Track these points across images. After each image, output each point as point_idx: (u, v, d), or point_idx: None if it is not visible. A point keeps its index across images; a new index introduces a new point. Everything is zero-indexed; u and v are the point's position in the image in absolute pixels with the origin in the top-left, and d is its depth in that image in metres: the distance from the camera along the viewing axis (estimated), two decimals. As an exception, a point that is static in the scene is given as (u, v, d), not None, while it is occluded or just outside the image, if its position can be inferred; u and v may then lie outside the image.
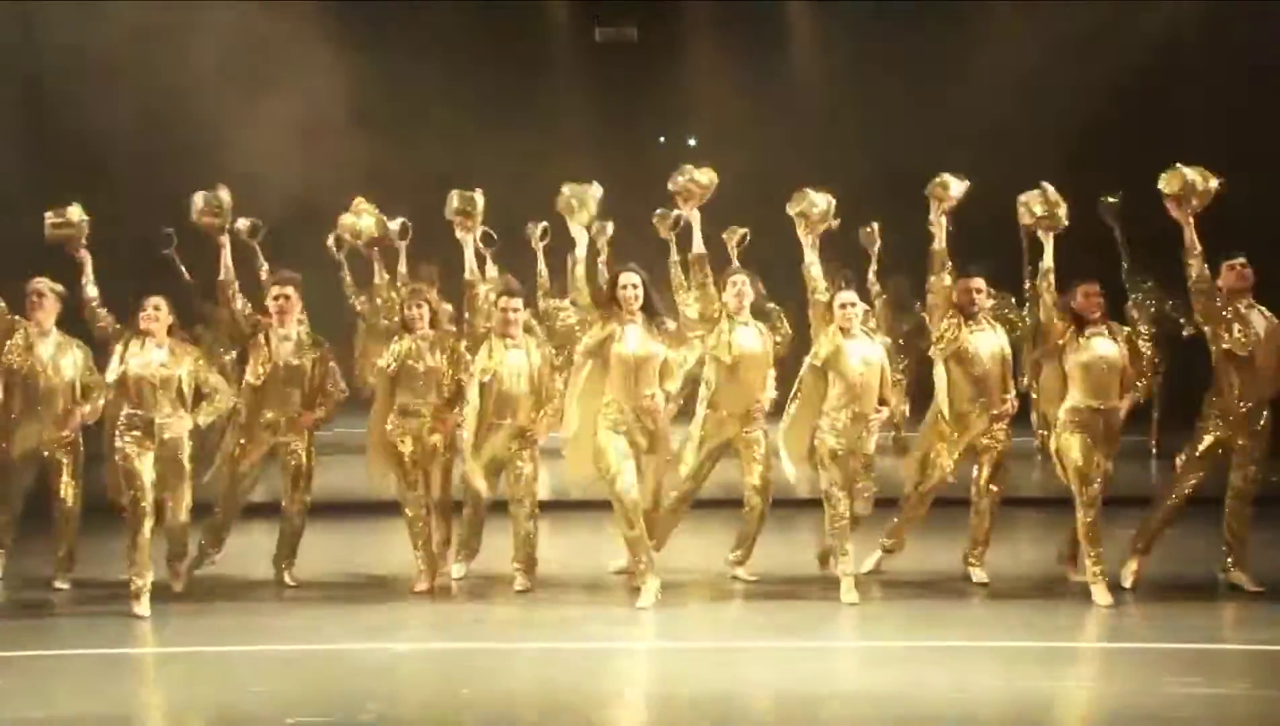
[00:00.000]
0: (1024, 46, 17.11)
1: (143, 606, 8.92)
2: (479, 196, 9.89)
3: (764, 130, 18.00)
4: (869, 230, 13.14)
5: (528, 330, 9.81)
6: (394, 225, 12.11)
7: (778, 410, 9.71)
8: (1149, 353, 12.53)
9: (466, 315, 9.84)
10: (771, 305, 10.49)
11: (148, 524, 9.00)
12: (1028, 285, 13.59)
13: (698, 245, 9.60)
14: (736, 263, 10.81)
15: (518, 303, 9.57)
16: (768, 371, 9.72)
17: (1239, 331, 9.21)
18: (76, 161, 14.23)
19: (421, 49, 17.34)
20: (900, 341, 13.77)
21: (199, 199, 9.47)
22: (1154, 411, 14.15)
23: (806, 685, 7.73)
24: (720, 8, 18.10)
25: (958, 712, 7.36)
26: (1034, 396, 11.44)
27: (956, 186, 9.74)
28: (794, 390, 9.42)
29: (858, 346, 9.24)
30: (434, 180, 17.15)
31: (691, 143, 19.50)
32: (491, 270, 11.11)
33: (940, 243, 9.64)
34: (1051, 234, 9.43)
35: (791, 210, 9.68)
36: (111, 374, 9.10)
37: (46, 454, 9.58)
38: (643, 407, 9.05)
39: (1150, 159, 16.82)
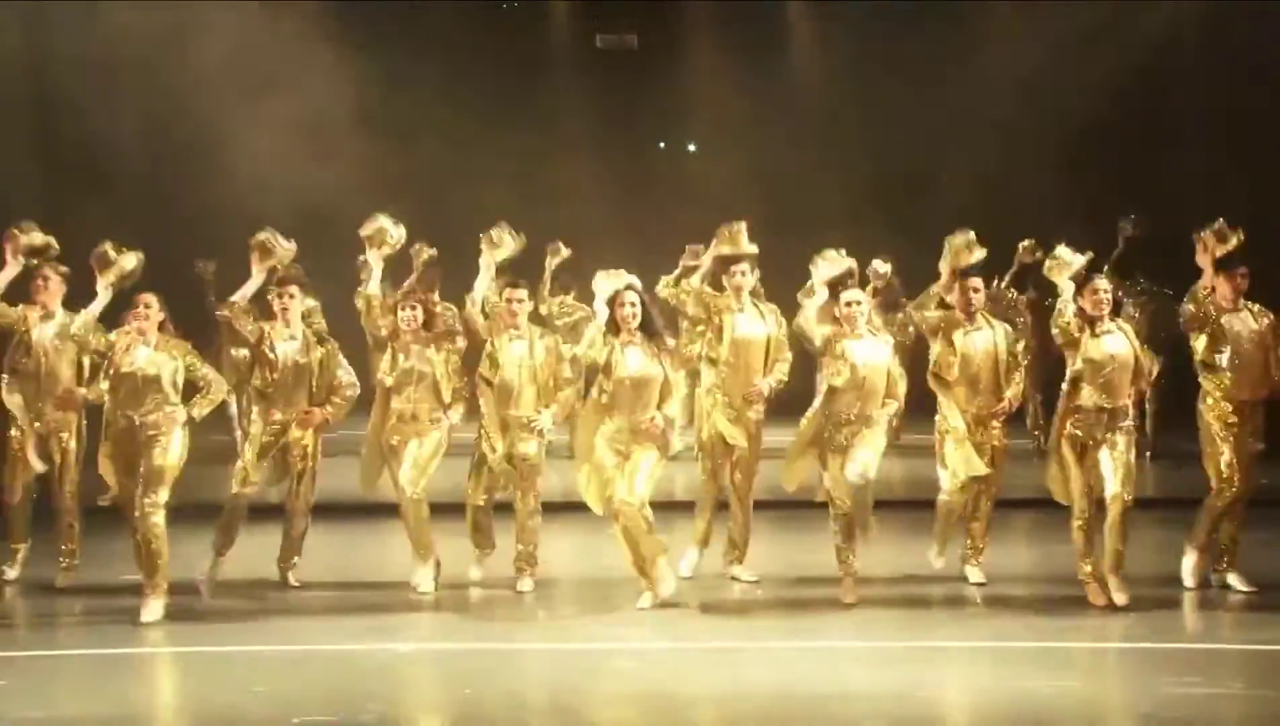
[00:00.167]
0: (1023, 47, 17.17)
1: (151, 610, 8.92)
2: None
3: (764, 133, 18.06)
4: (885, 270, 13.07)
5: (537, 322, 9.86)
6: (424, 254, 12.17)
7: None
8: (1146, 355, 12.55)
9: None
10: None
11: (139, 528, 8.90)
12: (1010, 293, 13.67)
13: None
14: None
15: (522, 294, 9.59)
16: (773, 358, 9.74)
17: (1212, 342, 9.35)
18: (80, 162, 14.29)
19: (424, 54, 17.41)
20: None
21: (271, 239, 9.46)
22: (1147, 411, 14.16)
23: (806, 685, 7.76)
24: (719, 12, 18.17)
25: (956, 712, 7.41)
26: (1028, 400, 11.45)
27: (978, 252, 9.71)
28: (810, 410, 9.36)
29: (861, 346, 9.18)
30: (436, 183, 17.38)
31: (691, 148, 19.57)
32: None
33: (943, 288, 9.67)
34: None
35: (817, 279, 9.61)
36: (104, 378, 9.05)
37: (49, 440, 9.67)
38: (643, 430, 8.94)
39: (1149, 159, 16.99)
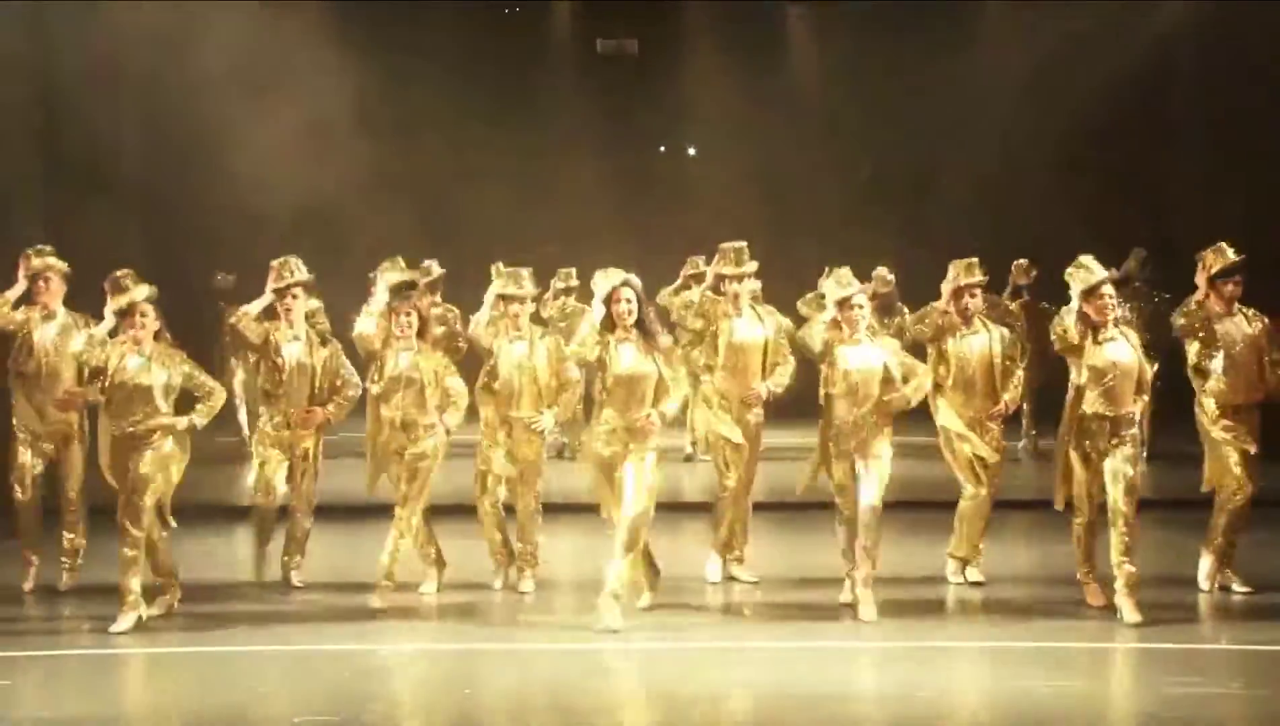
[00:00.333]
0: (1022, 48, 17.23)
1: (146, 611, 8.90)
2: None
3: (763, 136, 18.10)
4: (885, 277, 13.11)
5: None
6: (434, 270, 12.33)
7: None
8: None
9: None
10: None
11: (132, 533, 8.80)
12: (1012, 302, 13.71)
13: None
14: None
15: (525, 295, 9.63)
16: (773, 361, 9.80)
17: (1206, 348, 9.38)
18: (82, 162, 14.32)
19: (427, 58, 17.48)
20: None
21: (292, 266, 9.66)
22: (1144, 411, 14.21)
23: (806, 685, 7.77)
24: (719, 16, 18.22)
25: (956, 712, 7.42)
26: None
27: (978, 276, 9.76)
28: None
29: (855, 352, 9.08)
30: (438, 185, 17.44)
31: (691, 151, 19.61)
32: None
33: (943, 305, 9.70)
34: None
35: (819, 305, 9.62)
36: (99, 390, 8.98)
37: (51, 445, 9.72)
38: (637, 428, 8.81)
39: (1148, 161, 17.00)
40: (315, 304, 10.10)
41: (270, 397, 9.68)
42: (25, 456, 9.74)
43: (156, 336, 8.90)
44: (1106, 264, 9.08)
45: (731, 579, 9.94)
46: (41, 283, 9.71)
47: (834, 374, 9.07)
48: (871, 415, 9.00)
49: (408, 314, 9.30)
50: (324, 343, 9.73)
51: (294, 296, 9.63)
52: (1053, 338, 9.06)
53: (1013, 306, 13.89)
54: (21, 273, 9.72)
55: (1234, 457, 9.42)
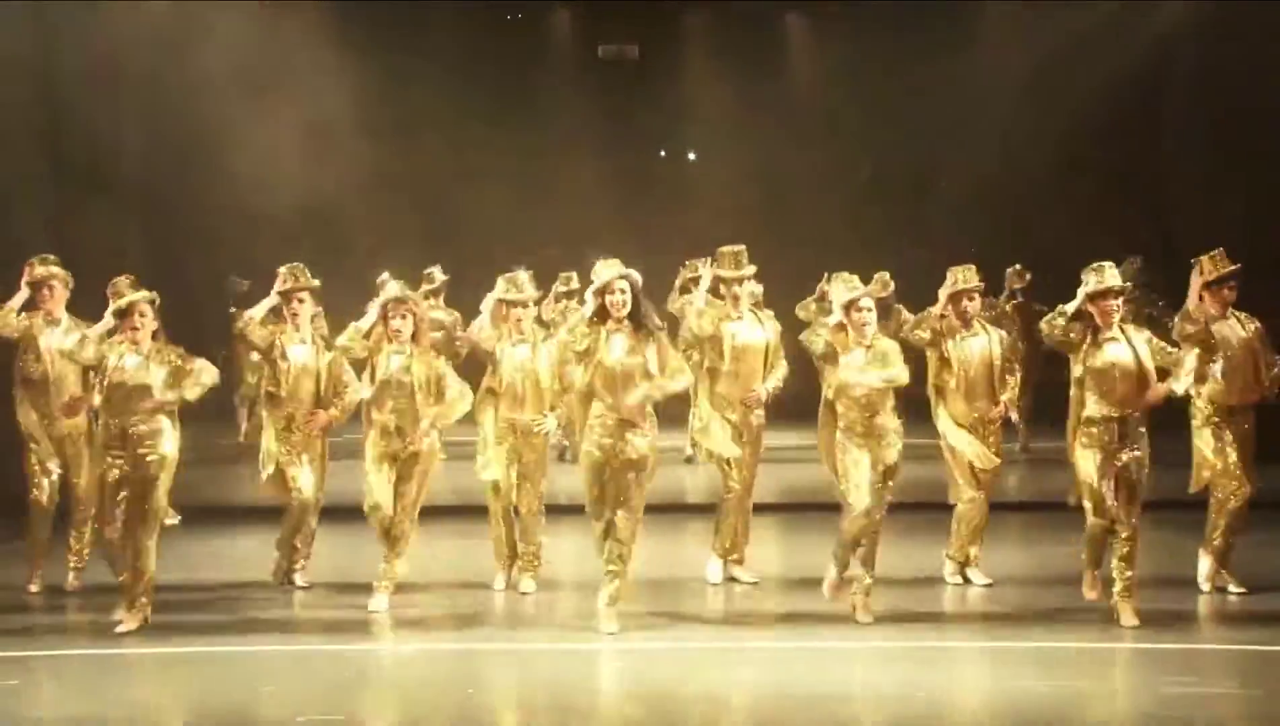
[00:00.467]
0: (1021, 49, 17.26)
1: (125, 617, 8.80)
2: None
3: (762, 141, 18.15)
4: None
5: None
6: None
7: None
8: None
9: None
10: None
11: (118, 535, 8.84)
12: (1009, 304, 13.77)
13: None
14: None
15: (526, 299, 9.67)
16: (772, 363, 9.85)
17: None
18: (84, 163, 14.37)
19: (430, 62, 17.53)
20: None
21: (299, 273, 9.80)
22: None
23: (806, 685, 7.82)
24: (718, 22, 18.28)
25: (955, 712, 7.45)
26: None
27: (976, 283, 9.80)
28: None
29: (851, 358, 8.94)
30: (440, 189, 17.49)
31: (691, 156, 19.67)
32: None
33: (939, 310, 9.74)
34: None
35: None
36: (97, 390, 8.99)
37: (61, 445, 9.80)
38: (630, 419, 8.69)
39: (1148, 161, 17.02)
40: (315, 309, 10.16)
41: (275, 400, 9.75)
42: (39, 462, 9.82)
43: (154, 337, 8.91)
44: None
45: (732, 580, 10.00)
46: (46, 290, 9.80)
47: (831, 378, 9.04)
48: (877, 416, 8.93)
49: (402, 317, 9.25)
50: (328, 346, 9.80)
51: (299, 300, 9.73)
52: (1043, 329, 8.97)
53: (1007, 308, 13.96)
54: (25, 280, 9.80)
55: (1232, 457, 9.49)
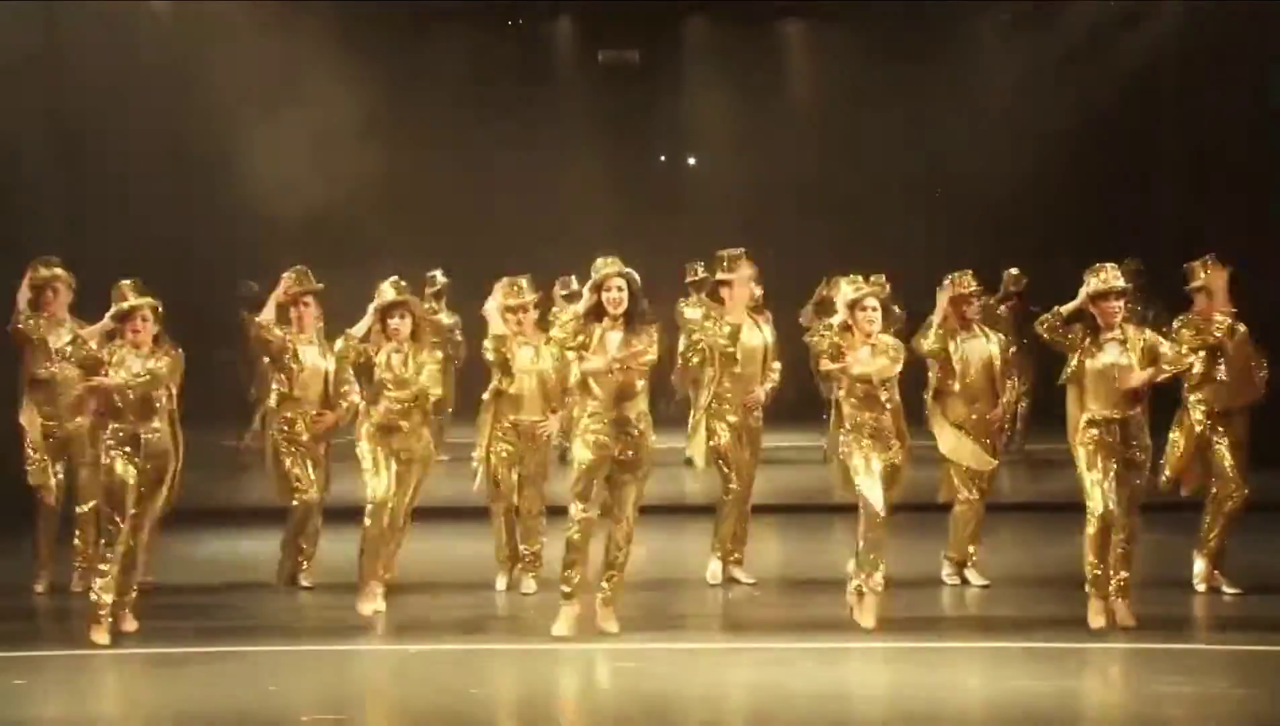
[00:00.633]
0: (1021, 58, 17.33)
1: (103, 634, 8.55)
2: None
3: (762, 146, 18.21)
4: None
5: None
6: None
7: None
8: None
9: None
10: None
11: (121, 543, 8.65)
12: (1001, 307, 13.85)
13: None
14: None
15: (528, 302, 9.74)
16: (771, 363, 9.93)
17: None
18: (97, 170, 14.46)
19: (431, 68, 17.61)
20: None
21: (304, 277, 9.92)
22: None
23: (806, 685, 7.86)
24: (719, 28, 18.34)
25: (954, 712, 7.49)
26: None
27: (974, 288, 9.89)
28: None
29: (859, 354, 8.90)
30: (441, 192, 17.56)
31: (691, 161, 19.73)
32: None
33: (939, 317, 9.82)
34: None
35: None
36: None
37: (68, 445, 9.87)
38: (626, 419, 8.63)
39: (1146, 166, 17.05)
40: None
41: (286, 401, 9.85)
42: (46, 463, 9.90)
43: (156, 340, 8.89)
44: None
45: (732, 580, 10.08)
46: (50, 293, 9.88)
47: (844, 377, 8.96)
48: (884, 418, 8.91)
49: (400, 317, 9.26)
50: (333, 349, 9.89)
51: (305, 303, 9.85)
52: (1039, 329, 8.93)
53: (1001, 310, 14.06)
54: (27, 283, 9.86)
55: (1228, 459, 9.58)
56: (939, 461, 9.99)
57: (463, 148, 17.58)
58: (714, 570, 10.08)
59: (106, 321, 8.85)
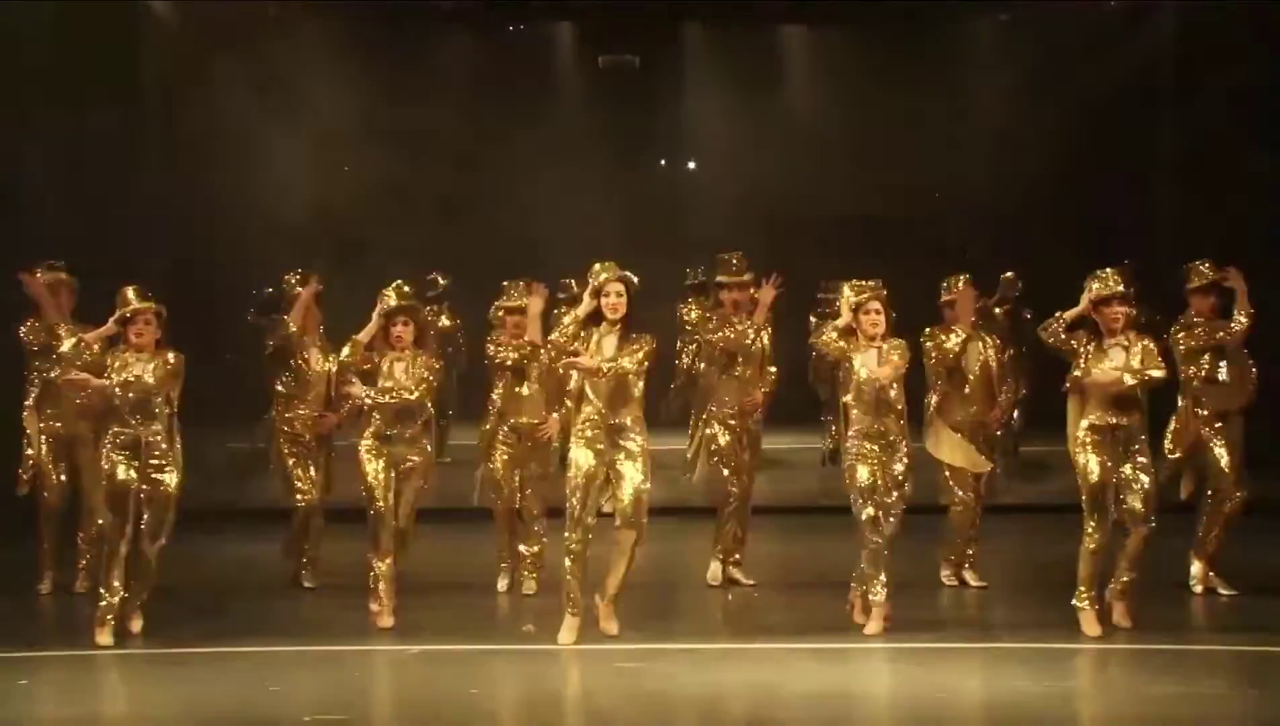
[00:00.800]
0: (1019, 66, 17.36)
1: (106, 635, 8.62)
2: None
3: (762, 151, 18.24)
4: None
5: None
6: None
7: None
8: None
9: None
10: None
11: (123, 545, 8.71)
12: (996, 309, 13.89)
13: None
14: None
15: (524, 305, 9.75)
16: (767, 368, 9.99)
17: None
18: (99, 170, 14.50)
19: (432, 72, 17.65)
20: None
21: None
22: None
23: (805, 685, 7.90)
24: (718, 33, 18.37)
25: (950, 713, 7.52)
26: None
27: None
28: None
29: (865, 358, 8.83)
30: (442, 195, 17.60)
31: (691, 165, 19.77)
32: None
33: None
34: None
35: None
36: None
37: (72, 447, 9.95)
38: (621, 423, 8.62)
39: (1144, 169, 17.09)
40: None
41: (291, 401, 9.91)
42: (49, 464, 9.95)
43: (157, 345, 8.90)
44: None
45: (732, 582, 10.12)
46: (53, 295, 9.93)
47: (850, 381, 8.93)
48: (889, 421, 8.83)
49: (404, 323, 9.19)
50: (335, 350, 9.95)
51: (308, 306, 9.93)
52: (1042, 335, 8.89)
53: (997, 312, 14.09)
54: (29, 286, 9.91)
55: (1225, 459, 9.63)
56: (937, 463, 10.04)
57: (463, 151, 17.60)
58: (714, 571, 10.13)
59: (110, 325, 8.87)
